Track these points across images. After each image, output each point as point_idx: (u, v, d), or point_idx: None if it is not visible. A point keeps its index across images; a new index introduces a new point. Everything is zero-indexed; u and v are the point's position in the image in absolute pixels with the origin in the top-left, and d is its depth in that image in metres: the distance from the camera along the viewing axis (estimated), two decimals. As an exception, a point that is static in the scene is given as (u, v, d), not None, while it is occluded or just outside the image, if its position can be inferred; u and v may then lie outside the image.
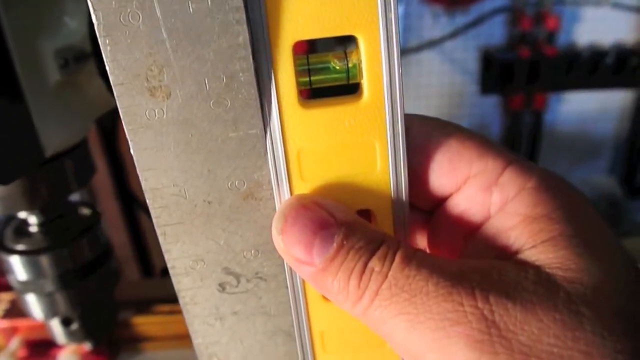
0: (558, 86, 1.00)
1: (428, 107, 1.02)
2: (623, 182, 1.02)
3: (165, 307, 0.56)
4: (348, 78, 0.21)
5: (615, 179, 1.04)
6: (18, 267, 0.36)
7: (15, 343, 0.55)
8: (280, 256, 0.22)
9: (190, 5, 0.18)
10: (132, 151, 0.21)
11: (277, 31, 0.20)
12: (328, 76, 0.21)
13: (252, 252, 0.23)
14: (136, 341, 0.56)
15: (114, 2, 0.18)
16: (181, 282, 0.24)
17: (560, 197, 0.21)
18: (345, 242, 0.20)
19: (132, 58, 0.19)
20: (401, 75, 0.20)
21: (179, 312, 0.25)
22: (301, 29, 0.20)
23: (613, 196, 0.94)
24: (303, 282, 0.24)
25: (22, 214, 0.36)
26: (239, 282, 0.24)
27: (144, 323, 0.55)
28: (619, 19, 0.97)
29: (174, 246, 0.23)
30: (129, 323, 0.55)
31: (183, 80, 0.19)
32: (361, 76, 0.21)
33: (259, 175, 0.22)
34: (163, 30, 0.19)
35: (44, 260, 0.35)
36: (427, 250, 0.25)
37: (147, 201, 0.22)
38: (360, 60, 0.21)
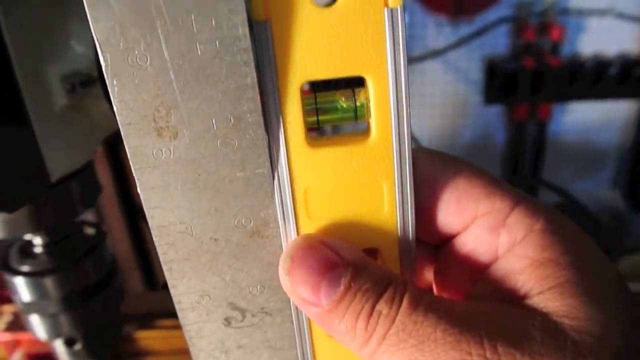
0: (562, 96, 0.99)
1: (432, 116, 1.02)
2: (627, 195, 1.02)
3: (168, 322, 0.56)
4: (356, 117, 0.21)
5: (619, 191, 1.03)
6: (22, 289, 0.35)
7: (17, 356, 0.55)
8: (286, 292, 0.22)
9: (198, 47, 0.18)
10: (139, 190, 0.20)
11: (285, 72, 0.19)
12: (336, 116, 0.21)
13: (258, 287, 0.23)
14: (139, 356, 0.56)
15: (121, 44, 0.18)
16: (187, 317, 0.24)
17: (567, 239, 0.21)
18: (352, 284, 0.20)
19: (139, 99, 0.19)
20: (409, 116, 0.20)
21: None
22: (309, 70, 0.19)
23: (617, 209, 0.94)
24: (309, 318, 0.24)
25: (27, 235, 0.36)
26: (244, 316, 0.24)
27: (147, 337, 0.55)
28: (623, 29, 0.97)
29: (180, 282, 0.23)
30: (132, 337, 0.55)
31: (190, 120, 0.19)
32: (369, 115, 0.21)
33: (265, 214, 0.21)
34: (171, 72, 0.19)
35: (49, 282, 0.35)
36: (434, 286, 0.25)
37: (154, 238, 0.22)
38: (368, 100, 0.20)
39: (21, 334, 0.55)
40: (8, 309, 0.57)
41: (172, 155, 0.20)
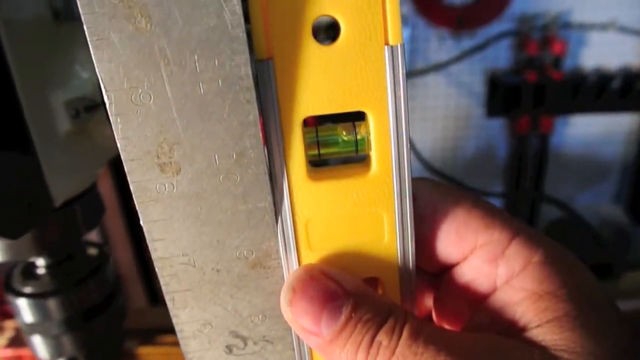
0: (564, 110, 0.99)
1: (434, 129, 1.02)
2: (629, 209, 1.02)
3: (170, 338, 0.56)
4: (357, 150, 0.21)
5: (622, 205, 1.03)
6: (25, 310, 0.36)
7: (20, 372, 0.55)
8: (287, 320, 0.22)
9: (201, 86, 0.19)
10: (141, 222, 0.21)
11: (287, 108, 0.20)
12: (337, 149, 0.21)
13: (260, 316, 0.23)
14: (140, 372, 0.56)
15: (125, 84, 0.18)
16: (189, 345, 0.24)
17: (565, 272, 0.21)
18: (353, 314, 0.20)
19: (143, 136, 0.19)
20: (409, 150, 0.21)
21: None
22: (311, 105, 0.20)
23: (619, 224, 0.94)
24: (310, 348, 0.24)
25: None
26: (246, 344, 0.24)
27: (149, 354, 0.56)
28: (625, 43, 0.97)
29: (182, 311, 0.23)
30: (134, 354, 0.56)
31: (193, 156, 0.20)
32: (369, 148, 0.21)
33: (267, 246, 0.22)
34: (174, 110, 0.19)
35: (51, 304, 0.35)
36: (434, 314, 0.25)
37: (156, 269, 0.22)
38: (369, 133, 0.21)
39: (23, 350, 0.55)
40: (10, 324, 0.57)
41: (174, 190, 0.20)
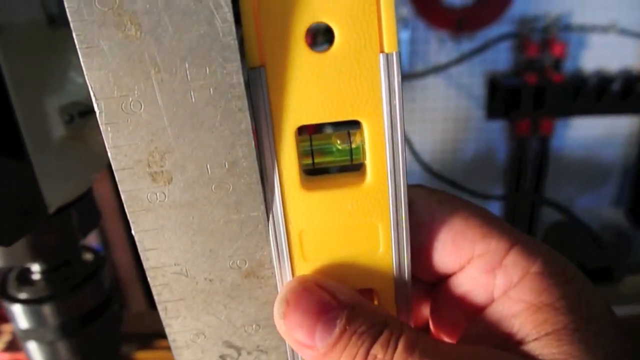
0: (565, 112, 0.99)
1: (434, 131, 1.02)
2: (630, 213, 1.01)
3: (167, 343, 0.55)
4: (351, 159, 0.21)
5: (622, 209, 1.03)
6: (20, 316, 0.35)
7: (17, 377, 0.55)
8: (281, 331, 0.22)
9: (192, 94, 0.18)
10: (133, 232, 0.20)
11: (280, 116, 0.19)
12: (331, 158, 0.21)
13: (253, 326, 0.23)
14: (138, 376, 0.55)
15: (115, 92, 0.18)
16: (182, 355, 0.24)
17: (564, 283, 0.21)
18: (347, 327, 0.20)
19: (133, 145, 0.19)
20: (405, 159, 0.20)
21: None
22: (304, 114, 0.19)
23: (619, 227, 0.93)
24: (304, 358, 0.24)
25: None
26: (239, 354, 0.24)
27: (147, 358, 0.55)
28: (625, 45, 0.97)
29: (175, 321, 0.23)
30: (132, 358, 0.55)
31: (185, 165, 0.19)
32: (364, 157, 0.21)
33: (260, 255, 0.21)
34: (165, 119, 0.19)
35: (46, 310, 0.35)
36: (431, 323, 0.25)
37: (149, 279, 0.22)
38: (364, 142, 0.20)
39: (20, 354, 0.55)
40: (7, 328, 0.57)
41: (166, 199, 0.20)
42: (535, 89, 0.94)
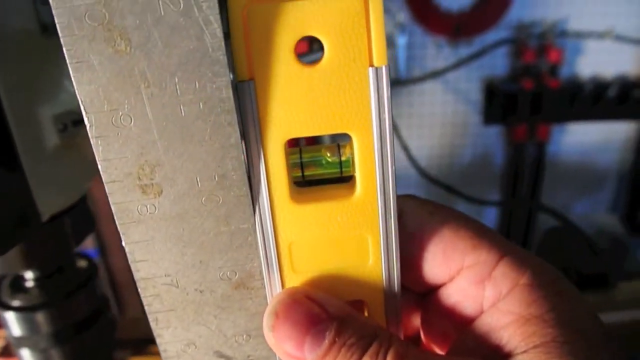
0: (561, 117, 1.00)
1: (431, 136, 1.02)
2: (625, 219, 1.02)
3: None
4: (341, 171, 0.21)
5: (617, 215, 1.03)
6: (13, 323, 0.35)
7: (11, 382, 0.55)
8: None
9: (182, 108, 0.18)
10: (123, 244, 0.21)
11: (269, 129, 0.20)
12: (321, 170, 0.21)
13: (244, 336, 0.23)
14: (133, 382, 0.55)
15: (105, 106, 0.18)
16: (173, 365, 0.24)
17: (553, 295, 0.21)
18: (337, 339, 0.20)
19: (124, 158, 0.19)
20: (394, 172, 0.20)
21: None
22: (293, 127, 0.20)
23: (615, 233, 0.94)
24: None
25: (18, 270, 0.36)
26: (230, 364, 0.24)
27: (141, 364, 0.55)
28: (621, 51, 0.98)
29: (166, 331, 0.23)
30: (126, 364, 0.55)
31: (175, 178, 0.19)
32: (354, 169, 0.21)
33: (250, 267, 0.22)
34: (155, 132, 0.19)
35: (40, 317, 0.35)
36: (422, 333, 0.25)
37: (139, 290, 0.22)
38: (353, 154, 0.21)
39: (15, 360, 0.55)
40: (2, 333, 0.57)
41: (156, 211, 0.20)
42: (532, 95, 0.94)
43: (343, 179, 0.22)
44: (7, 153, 0.28)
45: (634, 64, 0.99)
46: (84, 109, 0.18)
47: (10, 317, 0.35)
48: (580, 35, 0.96)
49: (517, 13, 0.95)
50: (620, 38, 0.95)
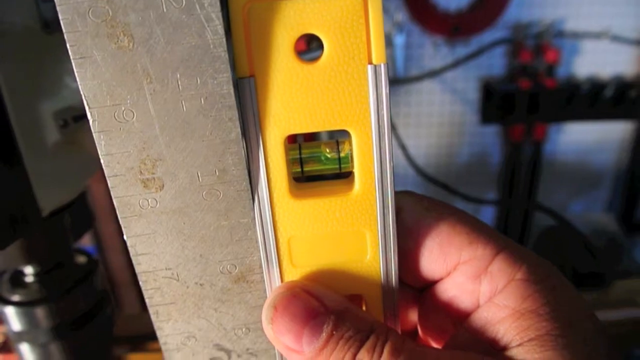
0: (558, 117, 1.00)
1: (428, 135, 1.03)
2: (622, 218, 1.02)
3: (159, 345, 0.56)
4: (340, 167, 0.21)
5: (614, 214, 1.04)
6: (12, 318, 0.36)
7: (10, 378, 0.55)
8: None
9: (183, 104, 0.19)
10: (125, 237, 0.21)
11: (269, 126, 0.20)
12: (320, 166, 0.21)
13: (243, 329, 0.24)
14: (131, 378, 0.56)
15: (108, 101, 0.18)
16: (173, 358, 0.24)
17: (548, 290, 0.21)
18: (334, 332, 0.20)
19: (126, 152, 0.19)
20: (392, 169, 0.21)
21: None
22: (293, 123, 0.20)
23: (611, 233, 0.94)
24: (293, 361, 0.24)
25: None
26: (230, 357, 0.24)
27: (139, 360, 0.56)
28: (618, 52, 0.98)
29: (166, 324, 0.23)
30: (124, 360, 0.56)
31: (176, 173, 0.20)
32: (353, 165, 0.21)
33: (250, 260, 0.22)
34: (156, 127, 0.19)
35: (39, 312, 0.35)
36: (419, 328, 0.26)
37: (140, 283, 0.22)
38: (352, 150, 0.21)
39: (13, 356, 0.55)
40: (0, 329, 0.57)
41: (158, 205, 0.20)
42: (529, 95, 0.95)
43: (342, 175, 0.22)
44: (8, 148, 0.28)
45: (630, 65, 1.00)
46: (87, 104, 0.18)
47: (10, 312, 0.35)
48: (577, 36, 0.96)
49: (514, 13, 0.96)
50: (616, 38, 0.96)
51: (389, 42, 0.96)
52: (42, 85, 0.30)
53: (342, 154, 0.21)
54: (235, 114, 0.19)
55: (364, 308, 0.23)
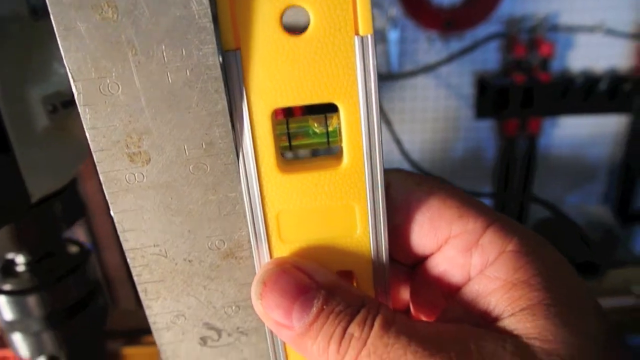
0: (552, 111, 1.00)
1: (423, 131, 1.03)
2: (617, 210, 1.02)
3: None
4: (328, 141, 0.21)
5: (609, 206, 1.04)
6: (4, 307, 0.36)
7: (4, 373, 0.55)
8: (260, 313, 0.22)
9: (169, 76, 0.19)
10: (112, 213, 0.21)
11: (256, 99, 0.20)
12: (308, 141, 0.21)
13: (233, 307, 0.24)
14: (126, 372, 0.55)
15: (93, 73, 0.18)
16: (162, 337, 0.24)
17: (540, 261, 0.21)
18: (325, 307, 0.20)
19: (111, 126, 0.19)
20: (381, 142, 0.21)
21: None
22: (280, 97, 0.20)
23: (607, 224, 0.94)
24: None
25: (9, 254, 0.36)
26: (220, 336, 0.24)
27: (133, 354, 0.55)
28: (612, 45, 0.98)
29: (155, 302, 0.23)
30: (119, 354, 0.55)
31: (162, 146, 0.20)
32: (341, 140, 0.21)
33: (239, 236, 0.22)
34: (142, 100, 0.19)
35: (31, 301, 0.35)
36: (411, 305, 0.25)
37: (128, 260, 0.22)
38: (340, 124, 0.21)
39: (8, 351, 0.55)
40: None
41: (144, 180, 0.20)
42: (523, 89, 0.95)
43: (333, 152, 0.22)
44: (-3, 133, 0.28)
45: (624, 58, 1.00)
46: (72, 76, 0.18)
47: (2, 300, 0.35)
48: (571, 30, 0.96)
49: (507, 7, 0.96)
50: (610, 32, 0.96)
51: (382, 37, 0.96)
52: (31, 71, 0.30)
53: (330, 128, 0.21)
54: (221, 85, 0.19)
55: (354, 285, 0.23)
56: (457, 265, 0.22)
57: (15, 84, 0.29)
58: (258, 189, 0.21)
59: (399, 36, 0.97)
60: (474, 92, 1.01)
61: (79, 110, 0.19)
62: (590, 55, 1.00)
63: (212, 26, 0.18)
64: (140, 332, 0.56)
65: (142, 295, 0.23)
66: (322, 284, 0.21)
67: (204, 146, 0.20)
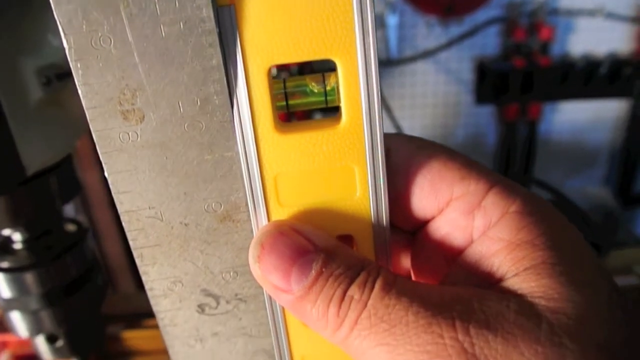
0: (553, 96, 1.00)
1: (423, 116, 1.02)
2: (618, 193, 1.02)
3: (155, 322, 0.55)
4: (326, 100, 0.21)
5: (610, 189, 1.04)
6: (2, 285, 0.35)
7: (4, 358, 0.55)
8: (259, 278, 0.22)
9: (162, 29, 0.18)
10: (106, 174, 0.20)
11: (252, 56, 0.19)
12: (306, 100, 0.21)
13: (231, 273, 0.23)
14: (126, 355, 0.55)
15: (84, 26, 0.18)
16: (160, 304, 0.24)
17: (544, 221, 0.20)
18: (324, 269, 0.20)
19: (104, 82, 0.19)
20: (380, 100, 0.20)
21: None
22: (276, 53, 0.19)
23: (608, 207, 0.94)
24: (282, 307, 0.24)
25: (6, 231, 0.36)
26: (218, 303, 0.24)
27: (134, 337, 0.55)
28: (612, 29, 0.98)
29: (152, 268, 0.23)
30: (119, 337, 0.55)
31: (157, 103, 0.19)
32: (340, 99, 0.21)
33: (236, 197, 0.21)
34: (135, 54, 0.18)
35: (29, 278, 0.35)
36: (412, 272, 0.25)
37: (123, 224, 0.22)
38: (339, 84, 0.20)
39: (8, 336, 0.55)
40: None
41: (138, 139, 0.20)
42: (523, 74, 0.94)
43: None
44: (-10, 104, 0.28)
45: (624, 42, 0.99)
46: (62, 30, 0.18)
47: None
48: (571, 13, 0.96)
49: (507, -9, 0.95)
50: (611, 15, 0.95)
51: (382, 22, 0.95)
52: (24, 42, 0.30)
53: (328, 87, 0.21)
54: (215, 39, 0.18)
55: (355, 249, 0.23)
56: (459, 228, 0.22)
57: (8, 54, 0.29)
58: (255, 149, 0.20)
59: (398, 21, 0.96)
60: (473, 78, 1.00)
61: (71, 66, 0.18)
62: (591, 39, 0.99)
63: (206, -24, 0.18)
64: (140, 315, 0.56)
65: (138, 261, 0.22)
66: (321, 246, 0.21)
67: (198, 103, 0.19)
